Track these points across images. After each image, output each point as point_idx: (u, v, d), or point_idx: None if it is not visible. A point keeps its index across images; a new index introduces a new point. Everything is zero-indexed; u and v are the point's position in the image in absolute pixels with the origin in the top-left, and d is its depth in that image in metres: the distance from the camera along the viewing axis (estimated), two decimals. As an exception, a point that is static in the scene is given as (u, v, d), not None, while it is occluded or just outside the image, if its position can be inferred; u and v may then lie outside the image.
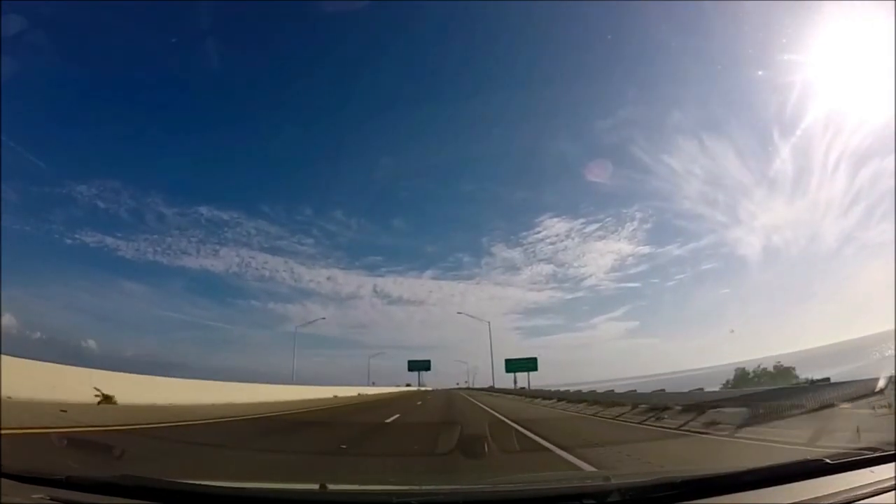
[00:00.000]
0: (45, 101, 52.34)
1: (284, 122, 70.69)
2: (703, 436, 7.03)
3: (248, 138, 75.48)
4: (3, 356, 8.74)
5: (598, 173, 55.50)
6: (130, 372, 13.61)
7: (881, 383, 3.93)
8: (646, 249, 76.82)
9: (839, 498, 1.54)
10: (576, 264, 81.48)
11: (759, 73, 36.15)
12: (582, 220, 77.61)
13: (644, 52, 52.21)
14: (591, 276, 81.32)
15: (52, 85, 51.58)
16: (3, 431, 5.04)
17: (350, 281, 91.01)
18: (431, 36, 55.50)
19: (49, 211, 70.77)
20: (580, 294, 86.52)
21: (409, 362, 66.86)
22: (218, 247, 72.76)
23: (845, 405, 5.31)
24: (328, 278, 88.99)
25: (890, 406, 3.75)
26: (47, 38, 42.18)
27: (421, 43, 57.23)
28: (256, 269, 77.31)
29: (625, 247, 76.71)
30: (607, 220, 75.60)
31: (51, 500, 1.72)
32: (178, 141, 66.98)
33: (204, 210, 67.00)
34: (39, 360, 11.08)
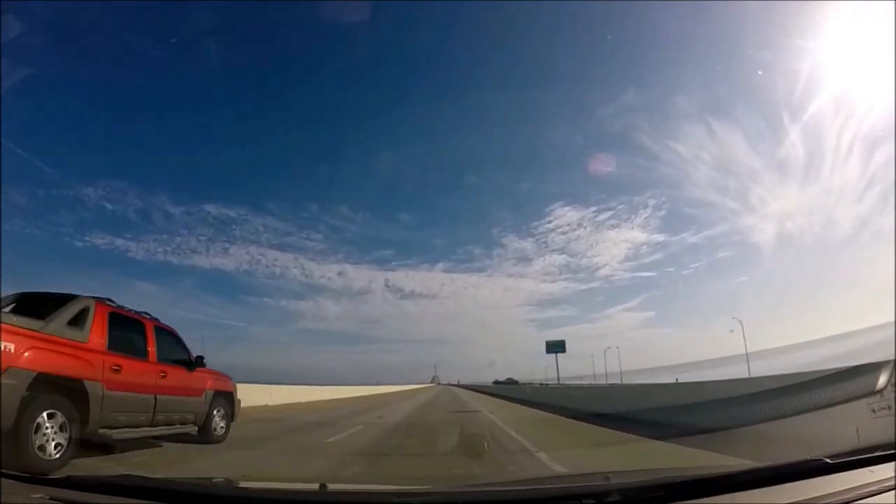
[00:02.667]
0: (47, 104, 52.50)
1: (286, 118, 70.94)
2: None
3: (251, 136, 75.72)
4: None
5: (608, 161, 55.26)
6: None
7: (881, 381, 3.91)
8: (660, 238, 75.65)
9: (839, 498, 1.54)
10: (589, 254, 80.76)
11: (766, 54, 35.44)
12: (594, 209, 76.67)
13: (648, 39, 51.67)
14: (604, 265, 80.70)
15: (53, 87, 51.66)
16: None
17: (361, 275, 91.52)
18: (432, 31, 55.45)
19: (57, 214, 71.24)
20: (594, 284, 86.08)
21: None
22: (227, 245, 73.36)
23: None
24: (339, 273, 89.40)
25: (890, 407, 3.73)
26: (49, 41, 42.23)
27: (421, 39, 57.17)
28: (267, 266, 77.62)
29: (638, 235, 75.59)
30: (620, 207, 74.63)
31: (51, 499, 1.72)
32: (181, 140, 67.37)
33: (210, 208, 67.59)
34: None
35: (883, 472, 1.70)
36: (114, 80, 55.96)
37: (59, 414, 4.55)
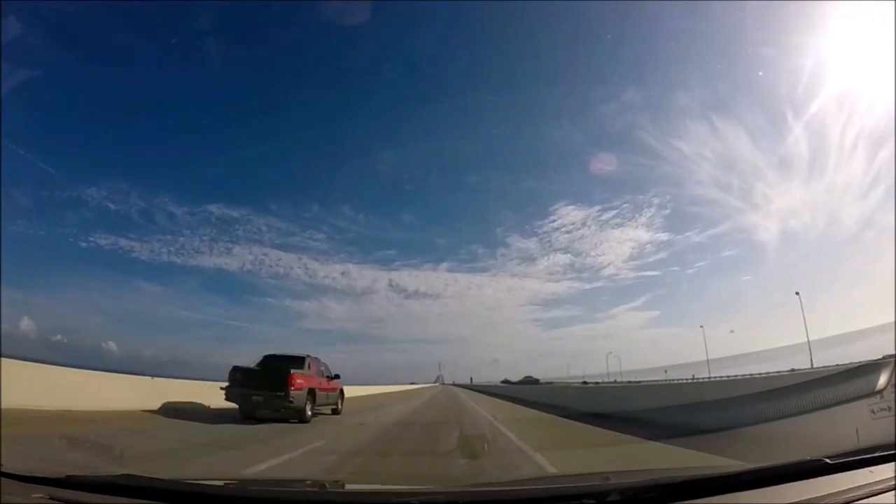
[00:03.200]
0: (47, 105, 52.51)
1: (287, 118, 70.87)
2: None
3: (252, 136, 75.46)
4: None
5: (612, 160, 54.70)
6: (150, 371, 13.66)
7: (881, 382, 3.90)
8: (664, 236, 74.54)
9: (839, 498, 1.54)
10: (593, 253, 79.74)
11: (768, 50, 34.79)
12: (598, 208, 75.55)
13: (649, 37, 51.21)
14: (609, 265, 79.94)
15: (53, 87, 51.72)
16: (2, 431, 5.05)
17: (364, 275, 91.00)
18: (433, 31, 55.34)
19: (61, 214, 71.18)
20: (599, 284, 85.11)
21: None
22: (230, 245, 73.38)
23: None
24: (343, 273, 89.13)
25: (890, 408, 3.73)
26: (50, 41, 42.29)
27: (422, 39, 57.08)
28: (270, 266, 77.40)
29: (643, 234, 74.49)
30: (624, 206, 73.36)
31: (51, 499, 1.72)
32: (183, 140, 67.26)
33: (213, 208, 67.62)
34: (60, 363, 11.35)
35: (883, 472, 1.70)
36: (114, 80, 55.88)
37: (309, 402, 10.47)
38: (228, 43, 50.64)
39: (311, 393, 10.61)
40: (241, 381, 10.22)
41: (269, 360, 11.38)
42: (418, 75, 62.66)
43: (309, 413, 10.33)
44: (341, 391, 13.29)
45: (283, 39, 53.89)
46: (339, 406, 13.06)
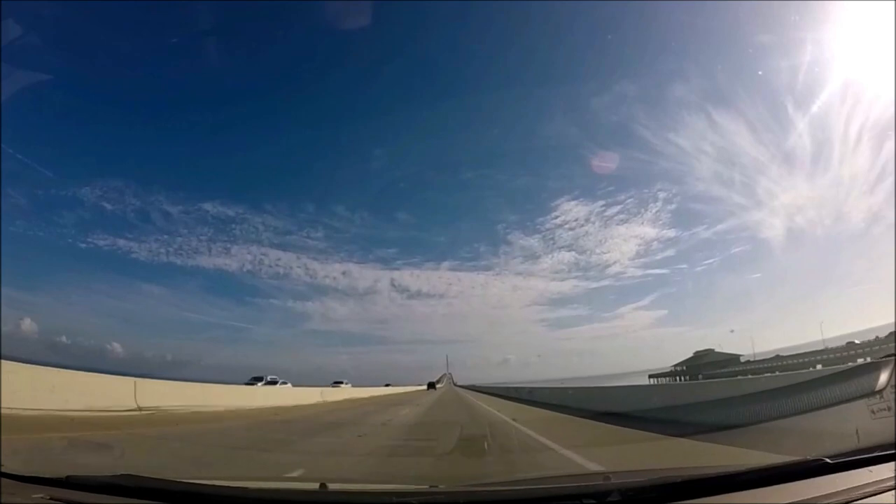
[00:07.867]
0: (41, 105, 52.92)
1: (280, 118, 71.31)
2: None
3: (245, 134, 75.93)
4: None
5: (614, 156, 54.44)
6: (154, 372, 14.57)
7: (881, 382, 3.89)
8: (671, 233, 72.92)
9: (839, 498, 1.54)
10: (598, 251, 78.69)
11: (767, 39, 34.34)
12: (602, 203, 74.22)
13: (644, 29, 50.92)
14: (615, 262, 79.07)
15: (48, 88, 52.07)
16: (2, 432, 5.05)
17: (366, 275, 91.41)
18: (427, 32, 55.48)
19: (59, 215, 71.91)
20: (605, 283, 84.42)
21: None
22: (228, 244, 74.26)
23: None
24: (343, 273, 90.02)
25: (889, 408, 3.72)
26: (46, 43, 42.44)
27: (416, 39, 57.20)
28: (270, 266, 78.64)
29: (649, 230, 73.15)
30: (628, 201, 72.15)
31: (51, 499, 1.72)
32: (176, 139, 67.61)
33: (208, 206, 68.15)
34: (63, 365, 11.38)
35: (882, 472, 1.70)
36: (110, 79, 56.44)
37: (435, 387, 70.55)
38: (224, 44, 50.98)
39: (435, 387, 66.22)
40: (429, 384, 69.09)
41: (431, 382, 72.40)
42: (412, 74, 62.87)
43: (437, 389, 57.52)
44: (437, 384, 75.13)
45: (278, 40, 54.20)
46: (437, 387, 66.10)
